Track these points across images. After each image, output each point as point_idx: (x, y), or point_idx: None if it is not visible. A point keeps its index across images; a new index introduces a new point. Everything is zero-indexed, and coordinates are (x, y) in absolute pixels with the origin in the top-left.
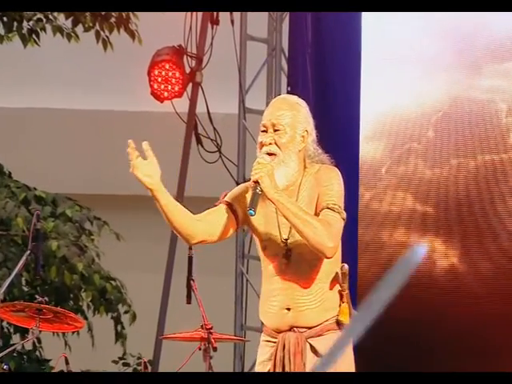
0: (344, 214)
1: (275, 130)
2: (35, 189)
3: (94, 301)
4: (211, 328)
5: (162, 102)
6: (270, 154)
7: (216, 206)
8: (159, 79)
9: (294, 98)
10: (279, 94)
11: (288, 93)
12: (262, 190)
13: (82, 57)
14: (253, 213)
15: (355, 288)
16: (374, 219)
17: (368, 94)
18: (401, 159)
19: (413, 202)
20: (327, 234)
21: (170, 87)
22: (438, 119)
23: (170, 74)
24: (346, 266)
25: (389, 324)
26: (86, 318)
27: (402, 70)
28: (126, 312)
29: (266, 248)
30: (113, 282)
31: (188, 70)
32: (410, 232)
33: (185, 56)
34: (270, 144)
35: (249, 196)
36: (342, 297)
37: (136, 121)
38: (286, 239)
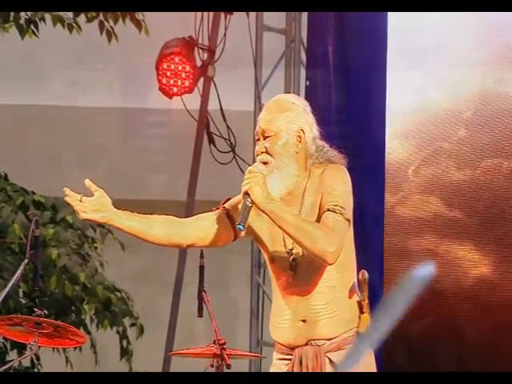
0: (348, 215)
1: (266, 137)
2: (33, 193)
3: (98, 314)
4: (224, 343)
5: (171, 98)
6: (264, 164)
7: (214, 210)
8: (168, 73)
9: (287, 97)
10: (298, 89)
11: (307, 88)
12: (252, 202)
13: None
14: (242, 228)
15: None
16: (400, 225)
17: (394, 89)
18: (429, 160)
19: (442, 207)
20: (326, 239)
21: (179, 82)
22: (470, 117)
23: (180, 67)
24: (366, 273)
25: (412, 335)
26: (88, 333)
27: (431, 64)
28: (132, 325)
29: (274, 261)
30: (118, 294)
31: (199, 64)
32: (438, 239)
33: (196, 48)
34: (262, 153)
35: (240, 208)
36: (361, 307)
37: (143, 118)
38: (291, 249)
